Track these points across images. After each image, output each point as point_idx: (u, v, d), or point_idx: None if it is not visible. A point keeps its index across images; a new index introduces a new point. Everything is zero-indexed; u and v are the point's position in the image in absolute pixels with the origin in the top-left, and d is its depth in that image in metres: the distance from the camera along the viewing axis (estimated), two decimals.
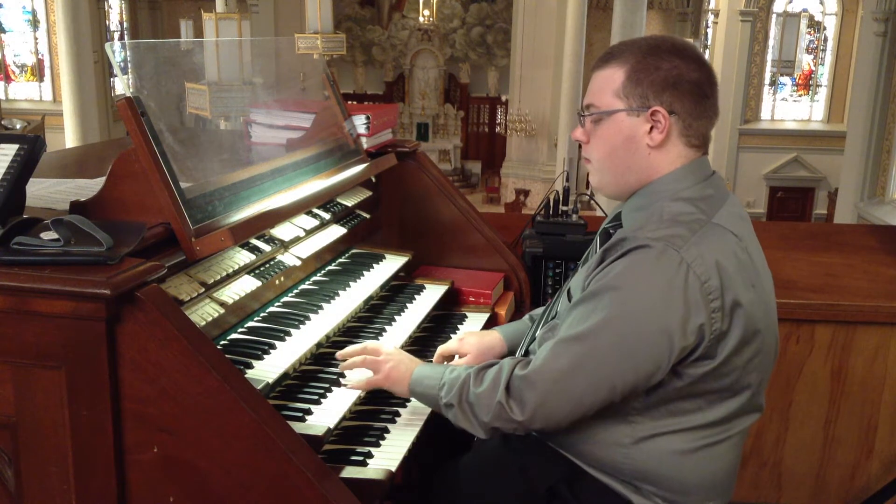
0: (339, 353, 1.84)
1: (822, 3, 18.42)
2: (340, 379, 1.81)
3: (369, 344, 1.87)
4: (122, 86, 1.69)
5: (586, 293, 1.59)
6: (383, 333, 2.10)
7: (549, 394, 1.56)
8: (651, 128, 1.63)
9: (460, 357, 2.03)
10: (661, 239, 1.52)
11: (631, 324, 1.52)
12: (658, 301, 1.50)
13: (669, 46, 1.64)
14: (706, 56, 18.83)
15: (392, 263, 2.46)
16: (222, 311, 1.74)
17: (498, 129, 21.06)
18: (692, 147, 1.66)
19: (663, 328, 1.50)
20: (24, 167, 1.54)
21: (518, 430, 1.63)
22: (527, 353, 1.89)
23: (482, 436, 1.66)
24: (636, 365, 1.52)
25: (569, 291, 1.77)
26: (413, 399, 1.86)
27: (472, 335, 2.09)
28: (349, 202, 2.44)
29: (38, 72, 19.37)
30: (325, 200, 2.28)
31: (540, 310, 2.06)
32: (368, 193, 2.58)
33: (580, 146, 1.78)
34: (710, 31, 19.02)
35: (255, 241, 1.93)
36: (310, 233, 2.18)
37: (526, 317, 2.14)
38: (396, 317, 2.21)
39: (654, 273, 1.51)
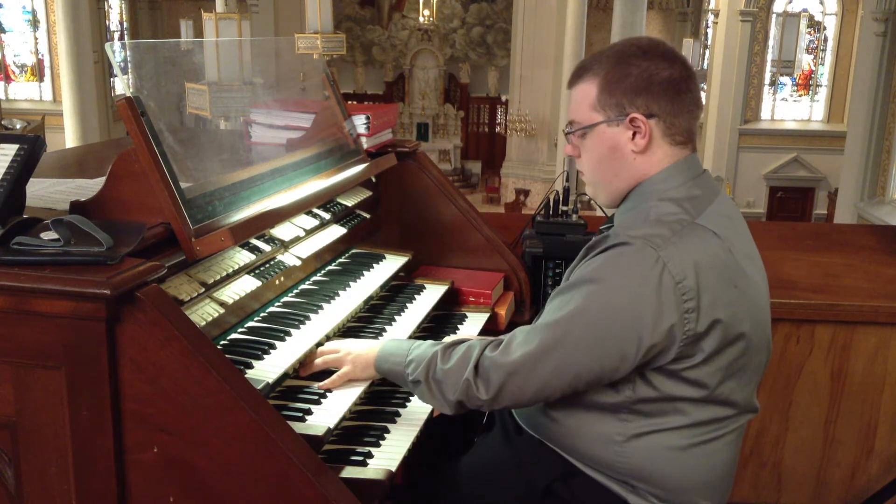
0: (302, 372, 1.84)
1: (822, 3, 18.42)
2: (315, 383, 1.80)
3: (323, 348, 1.89)
4: (122, 86, 1.68)
5: (565, 284, 1.63)
6: (383, 333, 2.10)
7: (515, 376, 1.60)
8: (633, 134, 1.65)
9: None
10: (641, 237, 1.54)
11: (602, 315, 1.54)
12: (631, 296, 1.52)
13: (636, 50, 1.65)
14: (706, 56, 18.70)
15: (392, 263, 2.46)
16: (222, 311, 1.74)
17: (498, 129, 21.07)
18: (678, 145, 1.67)
19: (634, 323, 1.52)
20: (24, 167, 1.54)
21: (483, 408, 1.68)
22: None
23: (448, 412, 1.71)
24: (602, 356, 1.55)
25: None
26: (413, 399, 1.86)
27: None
28: (349, 202, 2.44)
29: (38, 72, 19.38)
30: (325, 200, 2.28)
31: None
32: (368, 193, 2.58)
33: None
34: (710, 31, 19.02)
35: (255, 241, 1.93)
36: (310, 233, 2.18)
37: None
38: (396, 317, 2.21)
39: (630, 269, 1.53)
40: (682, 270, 1.52)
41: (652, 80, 1.62)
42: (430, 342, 1.79)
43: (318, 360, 1.85)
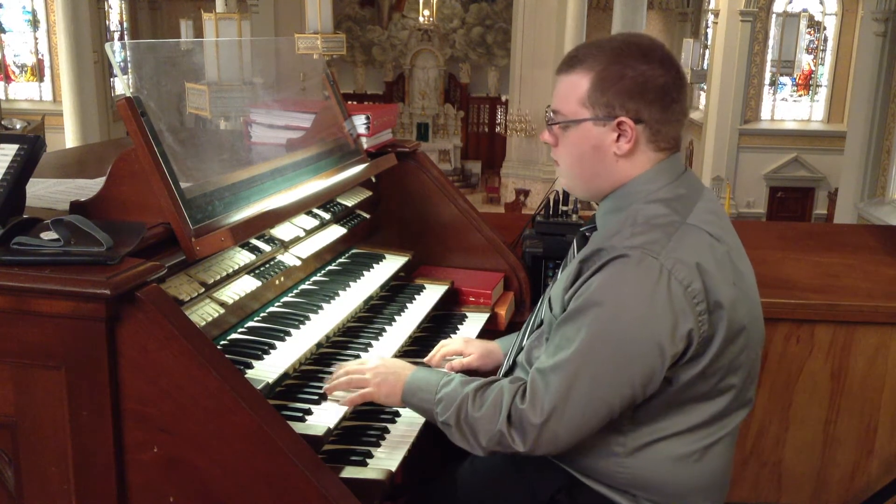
0: (326, 388, 1.77)
1: (822, 3, 18.41)
2: (336, 393, 1.76)
3: (349, 365, 1.81)
4: (122, 86, 1.68)
5: (569, 311, 1.55)
6: (383, 333, 2.10)
7: (549, 423, 1.53)
8: (618, 136, 1.61)
9: (464, 357, 2.05)
10: (637, 247, 1.50)
11: (619, 338, 1.49)
12: (644, 312, 1.48)
13: (635, 51, 1.60)
14: (706, 56, 18.65)
15: (392, 263, 2.46)
16: (222, 311, 1.74)
17: (498, 129, 21.09)
18: (661, 151, 1.64)
19: (653, 339, 1.48)
20: (24, 167, 1.54)
21: (518, 455, 1.61)
22: (514, 365, 1.87)
23: (480, 454, 1.64)
24: (631, 379, 1.50)
25: (550, 300, 1.72)
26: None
27: (474, 341, 2.11)
28: (349, 202, 2.44)
29: (38, 72, 19.39)
30: (326, 200, 2.28)
31: None
32: (368, 193, 2.58)
33: None
34: (710, 31, 19.02)
35: (255, 241, 1.93)
36: (310, 233, 2.18)
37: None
38: (396, 317, 2.21)
39: (635, 284, 1.49)
40: (687, 275, 1.49)
41: (647, 86, 1.58)
42: (459, 377, 1.70)
43: (343, 379, 1.77)
